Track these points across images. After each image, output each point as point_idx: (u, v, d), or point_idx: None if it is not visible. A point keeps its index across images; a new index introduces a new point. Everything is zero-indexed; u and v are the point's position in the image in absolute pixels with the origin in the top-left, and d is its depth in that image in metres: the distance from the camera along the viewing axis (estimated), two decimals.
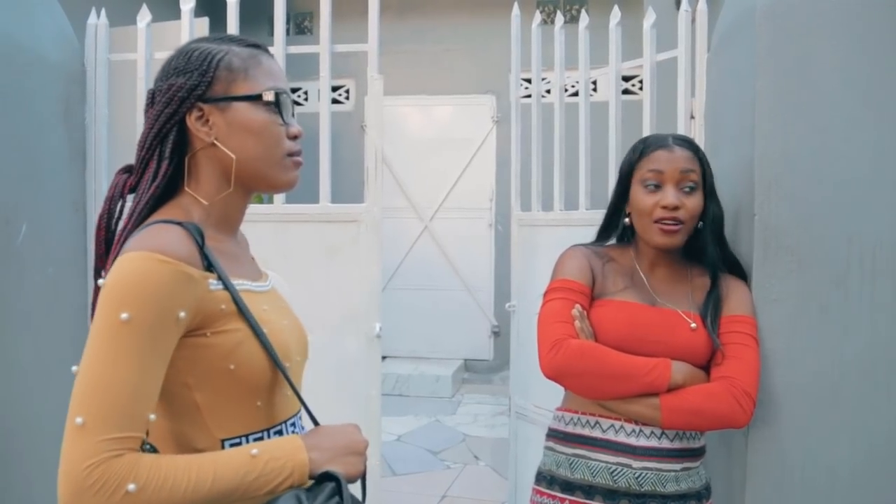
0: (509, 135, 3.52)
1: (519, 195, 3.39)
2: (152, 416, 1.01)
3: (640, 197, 1.72)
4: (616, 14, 2.89)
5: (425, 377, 6.63)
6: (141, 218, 1.16)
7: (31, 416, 2.39)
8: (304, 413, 1.28)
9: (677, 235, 1.69)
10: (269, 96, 1.19)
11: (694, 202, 1.69)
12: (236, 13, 2.80)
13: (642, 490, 1.65)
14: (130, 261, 1.02)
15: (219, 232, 1.21)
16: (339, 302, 2.69)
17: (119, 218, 1.19)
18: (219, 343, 1.09)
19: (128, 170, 1.23)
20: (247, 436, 1.15)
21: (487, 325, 7.39)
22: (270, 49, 2.75)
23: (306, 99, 7.44)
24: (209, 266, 1.10)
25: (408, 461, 4.86)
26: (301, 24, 7.58)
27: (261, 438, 1.16)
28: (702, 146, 2.36)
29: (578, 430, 1.74)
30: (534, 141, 3.25)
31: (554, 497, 1.75)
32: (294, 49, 2.82)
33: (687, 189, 1.69)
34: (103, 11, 2.86)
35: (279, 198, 2.77)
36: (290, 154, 1.23)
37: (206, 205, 1.20)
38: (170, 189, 1.20)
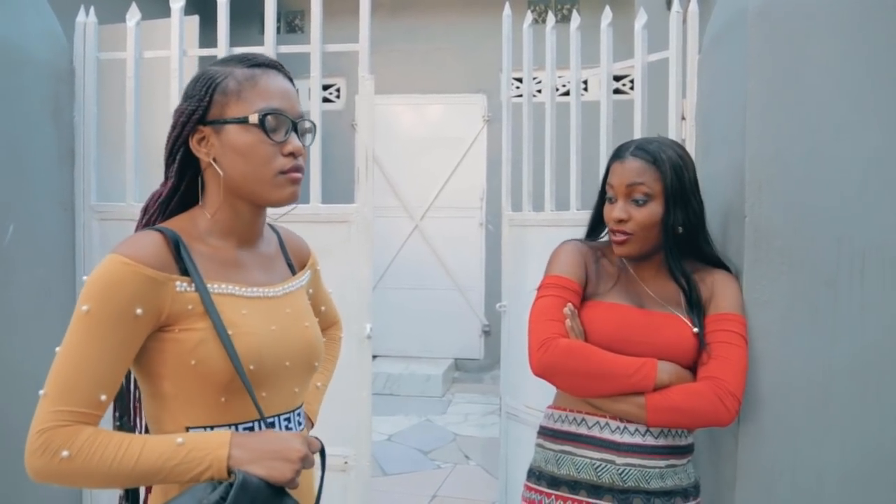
0: (500, 134, 3.52)
1: (510, 195, 3.39)
2: (103, 397, 1.14)
3: (604, 208, 1.80)
4: (607, 14, 2.89)
5: (416, 377, 6.63)
6: (149, 227, 1.28)
7: (21, 416, 2.37)
8: (292, 416, 1.36)
9: (627, 246, 1.74)
10: (253, 119, 1.25)
11: (643, 213, 1.70)
12: (226, 12, 2.79)
13: (626, 486, 1.66)
14: (103, 262, 1.16)
15: (225, 241, 1.32)
16: None
17: (153, 222, 1.32)
18: (184, 339, 1.20)
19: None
20: (212, 427, 1.23)
21: (478, 324, 7.39)
22: (261, 49, 2.76)
23: None
24: (185, 269, 1.22)
25: (398, 461, 4.85)
26: (292, 23, 7.56)
27: (227, 430, 1.22)
28: (693, 147, 2.37)
29: (566, 427, 1.76)
30: (525, 140, 3.25)
31: (541, 492, 1.77)
32: (284, 49, 2.81)
33: (639, 201, 1.71)
34: (92, 9, 2.85)
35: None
36: (285, 171, 1.28)
37: (217, 214, 1.31)
38: (191, 201, 1.34)
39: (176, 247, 1.22)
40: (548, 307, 1.73)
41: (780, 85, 1.69)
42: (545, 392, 1.78)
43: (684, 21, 2.65)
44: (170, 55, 2.81)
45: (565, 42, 3.03)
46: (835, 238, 1.65)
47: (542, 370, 1.68)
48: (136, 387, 1.36)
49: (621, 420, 1.68)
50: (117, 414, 1.36)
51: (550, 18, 3.11)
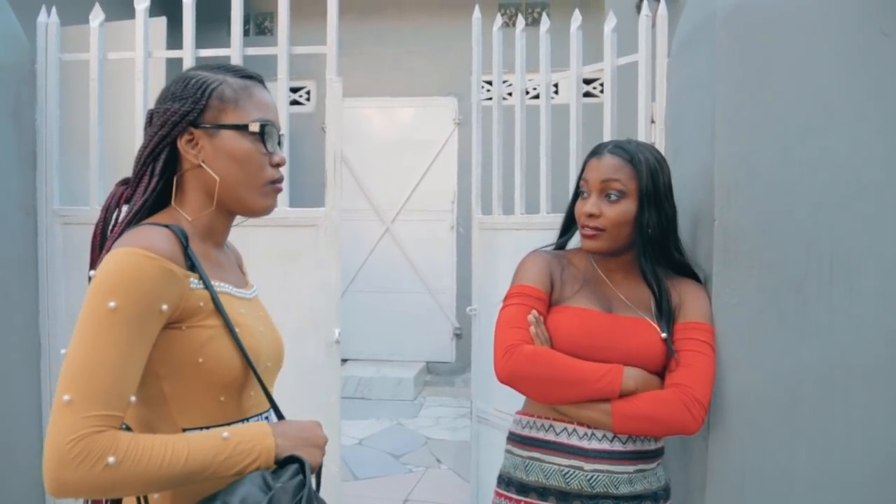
0: (471, 137, 3.51)
1: (479, 198, 3.39)
2: (132, 398, 1.10)
3: (576, 204, 1.81)
4: (577, 18, 2.89)
5: (387, 380, 6.61)
6: (131, 225, 1.27)
7: None
8: (272, 415, 1.38)
9: (597, 241, 1.74)
10: (254, 127, 1.30)
11: (616, 210, 1.71)
12: (192, 13, 2.75)
13: (594, 492, 1.66)
14: (120, 256, 1.13)
15: (203, 243, 1.33)
16: (298, 307, 2.67)
17: (114, 226, 1.30)
18: (192, 337, 1.19)
19: (125, 182, 1.34)
20: (208, 427, 1.22)
21: (449, 327, 7.38)
22: (227, 50, 2.73)
23: None
24: (192, 266, 1.21)
25: (369, 465, 4.83)
26: (261, 25, 7.50)
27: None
28: (662, 151, 2.38)
29: (533, 434, 1.76)
30: (495, 144, 3.24)
31: (510, 499, 1.77)
32: (252, 51, 2.79)
33: (612, 197, 1.71)
34: (54, 9, 2.81)
35: None
36: (273, 182, 1.34)
37: (190, 220, 1.31)
38: (161, 203, 1.33)
39: (185, 243, 1.21)
40: (513, 315, 1.73)
41: (749, 89, 1.70)
42: (515, 396, 1.78)
43: (653, 25, 2.65)
44: (134, 56, 2.77)
45: (535, 45, 3.03)
46: (803, 242, 1.66)
47: (507, 377, 1.68)
48: None
49: (589, 426, 1.68)
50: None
51: (520, 21, 3.11)
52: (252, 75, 1.37)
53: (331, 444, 2.67)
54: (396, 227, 7.42)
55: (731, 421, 1.71)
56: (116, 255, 1.13)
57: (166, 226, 1.21)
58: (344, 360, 6.92)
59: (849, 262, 1.64)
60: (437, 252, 7.37)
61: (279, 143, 1.37)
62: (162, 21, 3.59)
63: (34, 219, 2.75)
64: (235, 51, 2.73)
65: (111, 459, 1.03)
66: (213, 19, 4.59)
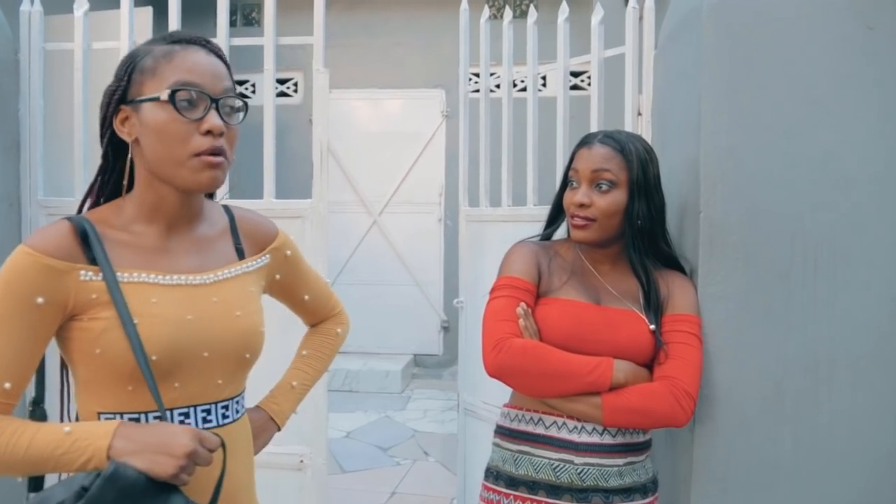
0: (458, 129, 3.51)
1: (467, 191, 3.39)
2: (7, 385, 1.15)
3: (565, 194, 1.79)
4: (564, 10, 2.89)
5: (375, 373, 6.61)
6: (91, 207, 1.33)
7: None
8: (194, 410, 1.30)
9: (587, 231, 1.72)
10: (164, 95, 1.21)
11: (606, 200, 1.70)
12: (178, 3, 2.73)
13: (585, 485, 1.66)
14: (13, 253, 1.18)
15: (150, 226, 1.29)
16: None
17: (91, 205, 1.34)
18: (91, 328, 1.20)
19: None
20: (122, 414, 1.23)
21: (437, 320, 7.39)
22: (214, 41, 2.72)
23: (254, 91, 7.34)
24: (94, 258, 1.21)
25: (357, 458, 4.83)
26: (248, 15, 7.47)
27: (137, 419, 1.23)
28: (649, 142, 2.39)
29: (522, 427, 1.75)
30: (482, 136, 3.24)
31: (500, 492, 1.76)
32: (238, 41, 2.77)
33: (603, 187, 1.71)
34: None
35: (221, 193, 2.72)
36: (200, 153, 1.22)
37: (143, 199, 1.29)
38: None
39: (83, 235, 1.21)
40: (501, 308, 1.72)
41: (734, 82, 1.71)
42: (502, 388, 1.78)
43: (641, 17, 2.66)
44: (119, 46, 2.75)
45: (523, 37, 3.03)
46: (788, 234, 1.67)
47: (497, 371, 1.67)
48: (66, 374, 1.35)
49: (578, 419, 1.68)
50: (34, 399, 1.33)
51: (508, 14, 3.11)
52: (185, 38, 1.28)
53: (318, 438, 2.69)
54: (384, 220, 7.41)
55: (717, 412, 1.72)
56: (12, 252, 1.18)
57: (70, 219, 1.22)
58: None
59: (833, 255, 1.66)
60: (424, 244, 7.37)
61: (218, 109, 1.25)
62: (148, 11, 3.57)
63: (18, 210, 2.73)
64: (222, 41, 2.71)
65: None
66: (199, 9, 4.56)
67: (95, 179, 1.34)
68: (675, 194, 1.90)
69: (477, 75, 3.36)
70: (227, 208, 1.47)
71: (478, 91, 3.30)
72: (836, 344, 1.67)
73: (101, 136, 1.31)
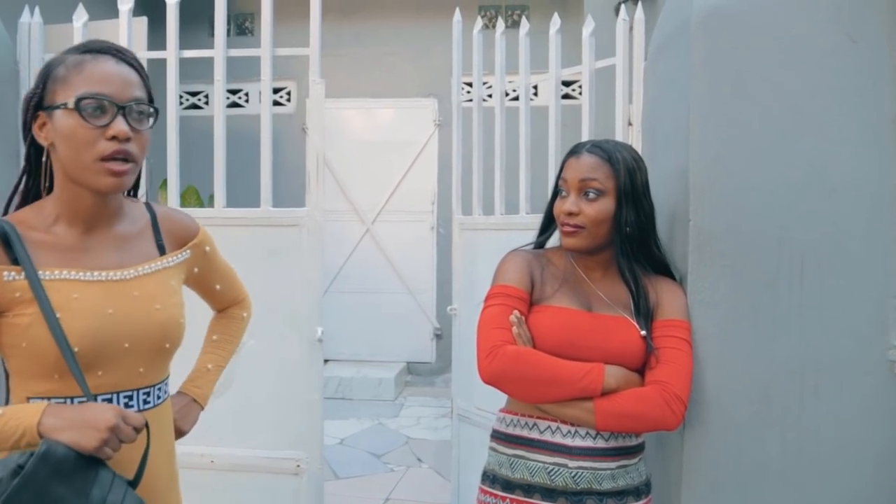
0: (451, 138, 3.53)
1: (460, 199, 3.41)
2: None
3: (555, 203, 1.82)
4: (556, 21, 2.93)
5: (368, 380, 6.61)
6: (13, 209, 1.41)
7: None
8: (136, 395, 1.42)
9: (576, 238, 1.75)
10: (70, 103, 1.29)
11: (594, 208, 1.73)
12: (176, 13, 2.76)
13: (579, 488, 1.68)
14: None
15: (70, 226, 1.37)
16: (281, 306, 2.68)
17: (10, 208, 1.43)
18: (15, 324, 1.29)
19: None
20: (49, 398, 1.31)
21: (430, 327, 7.39)
22: (210, 51, 2.74)
23: (247, 101, 7.36)
24: (17, 258, 1.29)
25: (351, 464, 4.83)
26: (242, 25, 7.49)
27: (63, 403, 1.31)
28: (639, 152, 2.42)
29: (518, 432, 1.78)
30: (475, 145, 3.27)
31: (496, 496, 1.78)
32: (235, 52, 2.79)
33: (591, 195, 1.73)
34: (37, 10, 2.79)
35: (219, 201, 2.75)
36: (104, 157, 1.30)
37: (61, 201, 1.36)
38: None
39: (5, 239, 1.29)
40: (495, 316, 1.74)
41: (722, 93, 1.74)
42: (497, 395, 1.80)
43: (631, 29, 2.69)
44: None
45: (515, 47, 3.06)
46: (775, 241, 1.70)
47: (491, 378, 1.69)
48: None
49: (572, 424, 1.70)
50: None
51: (500, 24, 3.14)
52: (97, 48, 1.36)
53: (313, 443, 2.71)
54: (377, 228, 7.42)
55: (706, 416, 1.75)
56: None
57: None
58: (325, 361, 6.90)
59: (819, 261, 1.68)
60: (417, 253, 7.37)
61: (124, 115, 1.32)
62: (143, 21, 3.59)
63: None
64: (219, 51, 2.74)
65: None
66: (193, 19, 4.59)
67: (19, 182, 1.42)
68: (664, 203, 1.93)
69: (469, 85, 3.39)
70: (149, 206, 1.55)
71: (470, 100, 3.33)
72: (822, 349, 1.69)
73: (24, 140, 1.38)
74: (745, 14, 1.72)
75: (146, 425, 1.33)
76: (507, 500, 1.75)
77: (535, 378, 1.66)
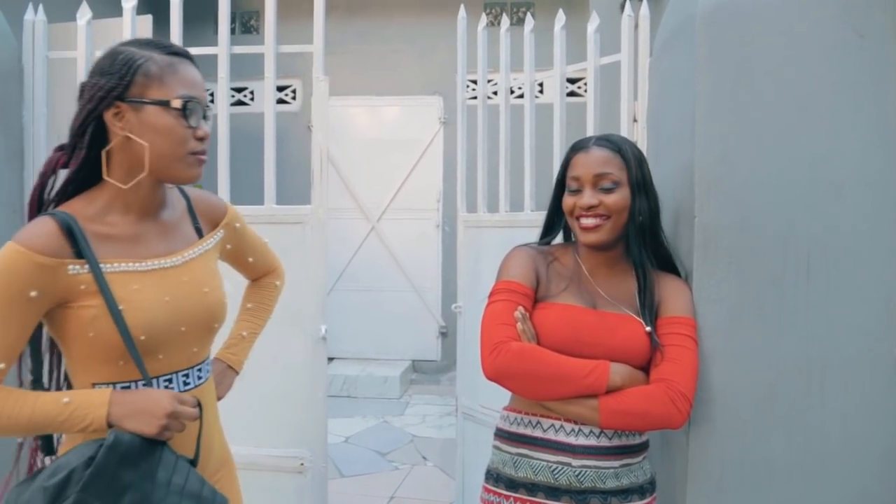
0: (456, 136, 3.53)
1: (465, 196, 3.41)
2: (2, 365, 1.29)
3: (565, 200, 1.80)
4: (561, 18, 2.92)
5: (373, 378, 6.61)
6: (64, 196, 1.43)
7: None
8: (176, 378, 1.50)
9: (600, 231, 1.74)
10: (177, 103, 1.39)
11: (614, 198, 1.72)
12: (180, 11, 2.76)
13: (583, 487, 1.68)
14: (3, 249, 1.30)
15: (125, 216, 1.44)
16: (285, 304, 2.66)
17: (51, 190, 1.45)
18: (81, 315, 1.35)
19: (61, 148, 1.45)
20: (114, 383, 1.39)
21: (435, 325, 7.39)
22: (214, 49, 2.74)
23: (252, 98, 7.36)
24: (79, 252, 1.34)
25: (356, 462, 4.84)
26: (247, 23, 7.49)
27: (128, 387, 1.40)
28: (644, 149, 2.41)
29: (521, 430, 1.77)
30: (480, 142, 3.27)
31: (499, 494, 1.78)
32: (239, 49, 2.80)
33: (606, 188, 1.73)
34: (41, 7, 2.80)
35: (224, 199, 2.75)
36: (195, 153, 1.44)
37: (117, 191, 1.42)
38: (97, 173, 1.43)
39: (69, 231, 1.33)
40: (499, 312, 1.73)
41: (727, 89, 1.73)
42: (501, 392, 1.79)
43: (636, 25, 2.69)
44: None
45: (520, 45, 3.06)
46: (781, 238, 1.69)
47: (495, 374, 1.68)
48: (55, 348, 1.49)
49: (576, 422, 1.69)
50: (32, 378, 1.49)
51: (505, 21, 3.14)
52: (179, 52, 1.45)
53: (317, 441, 2.71)
54: (382, 226, 7.42)
55: (711, 413, 1.74)
56: (3, 248, 1.31)
57: (54, 215, 1.34)
58: (330, 359, 6.92)
59: (826, 258, 1.67)
60: (422, 250, 7.37)
61: (205, 118, 1.46)
62: (147, 19, 3.58)
63: (21, 216, 2.75)
64: (223, 49, 2.74)
65: None
66: (197, 17, 4.59)
67: (79, 169, 1.42)
68: (670, 199, 1.92)
69: (474, 82, 3.40)
70: (182, 191, 1.64)
71: (475, 98, 3.33)
72: (829, 346, 1.68)
73: (82, 127, 1.40)
74: (749, 9, 1.71)
75: (199, 405, 1.44)
76: (511, 498, 1.75)
77: (539, 375, 1.65)
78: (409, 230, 7.37)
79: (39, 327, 1.43)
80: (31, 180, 2.76)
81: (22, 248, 1.29)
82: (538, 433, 1.74)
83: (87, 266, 1.34)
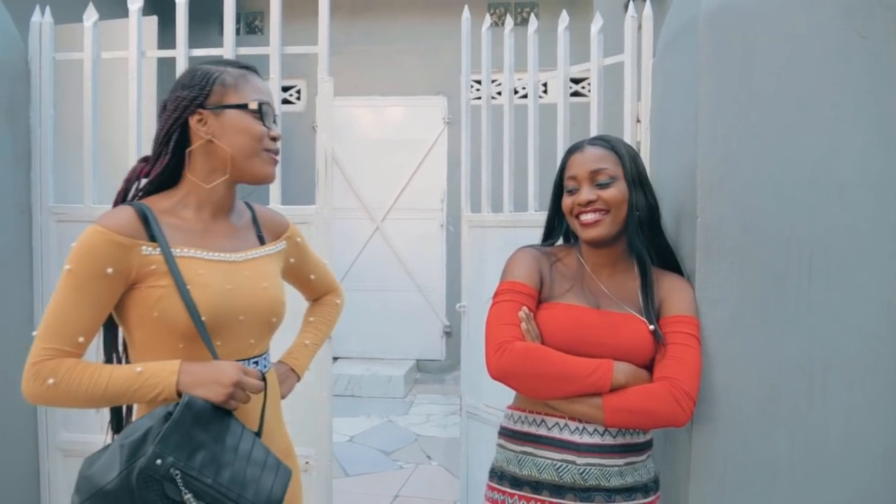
0: (460, 136, 3.53)
1: (469, 196, 3.41)
2: (81, 339, 1.42)
3: (564, 200, 1.83)
4: (565, 18, 2.92)
5: (378, 378, 6.63)
6: (146, 193, 1.59)
7: None
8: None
9: (600, 226, 1.75)
10: (253, 105, 1.57)
11: (611, 192, 1.74)
12: (185, 13, 2.77)
13: (587, 484, 1.69)
14: (85, 231, 1.44)
15: (198, 212, 1.59)
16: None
17: (135, 195, 1.60)
18: (149, 294, 1.47)
19: (145, 159, 1.62)
20: None
21: (439, 325, 7.40)
22: (219, 50, 2.76)
23: None
24: (153, 236, 1.48)
25: (360, 462, 4.86)
26: (252, 24, 7.50)
27: None
28: (647, 149, 2.42)
29: (526, 429, 1.78)
30: (484, 142, 3.27)
31: (504, 492, 1.79)
32: (244, 50, 2.80)
33: (603, 183, 1.75)
34: (48, 9, 2.81)
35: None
36: (269, 150, 1.61)
37: (192, 189, 1.58)
38: (176, 176, 1.60)
39: (144, 218, 1.48)
40: (503, 312, 1.74)
41: (730, 89, 1.73)
42: (505, 391, 1.80)
43: (639, 26, 2.69)
44: (128, 56, 2.79)
45: (524, 45, 3.06)
46: (783, 238, 1.69)
47: (500, 374, 1.69)
48: (120, 336, 1.61)
49: (580, 421, 1.70)
50: (104, 359, 1.60)
51: (509, 21, 3.14)
52: (248, 66, 1.65)
53: (322, 440, 2.72)
54: (386, 226, 7.44)
55: (714, 413, 1.75)
56: (85, 231, 1.44)
57: (131, 205, 1.51)
58: (335, 359, 6.92)
59: (828, 259, 1.68)
60: (426, 250, 7.38)
61: (275, 122, 1.63)
62: (153, 20, 3.60)
63: (29, 216, 2.77)
64: (228, 50, 2.75)
65: (51, 381, 1.38)
66: (203, 18, 4.60)
67: (163, 171, 1.58)
68: (672, 199, 1.93)
69: (478, 82, 3.40)
70: (248, 204, 1.79)
71: (479, 98, 3.33)
72: (831, 346, 1.69)
73: (168, 134, 1.56)
74: (752, 10, 1.72)
75: (264, 378, 1.55)
76: (515, 496, 1.76)
77: (543, 374, 1.66)
78: (413, 230, 7.38)
79: (111, 317, 1.54)
80: (38, 181, 2.78)
81: (101, 229, 1.43)
82: (542, 431, 1.75)
83: (158, 248, 1.48)
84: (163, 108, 1.60)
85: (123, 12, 2.80)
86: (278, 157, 1.65)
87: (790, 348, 1.70)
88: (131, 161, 2.74)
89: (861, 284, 1.68)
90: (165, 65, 3.07)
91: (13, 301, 2.67)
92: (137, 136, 2.76)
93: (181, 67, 2.78)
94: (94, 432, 2.65)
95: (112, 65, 2.88)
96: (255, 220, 1.76)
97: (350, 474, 4.62)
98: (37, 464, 2.78)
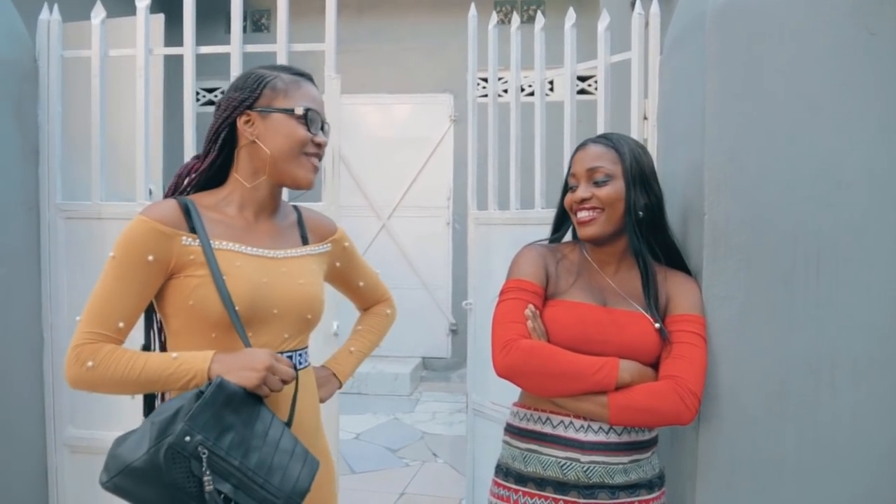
0: (467, 134, 3.54)
1: (475, 194, 3.42)
2: (121, 324, 1.47)
3: (565, 198, 1.85)
4: (571, 16, 2.92)
5: (384, 375, 6.63)
6: (194, 188, 1.65)
7: None
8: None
9: (594, 225, 1.76)
10: (299, 111, 1.60)
11: (606, 190, 1.75)
12: (192, 10, 2.78)
13: (591, 482, 1.69)
14: (131, 220, 1.51)
15: (241, 210, 1.64)
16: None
17: (186, 189, 1.66)
18: (186, 284, 1.52)
19: (198, 157, 1.67)
20: None
21: (445, 323, 7.40)
22: (226, 48, 2.76)
23: None
24: (193, 228, 1.53)
25: (366, 459, 4.86)
26: (259, 21, 7.51)
27: None
28: (654, 147, 2.41)
29: (531, 426, 1.79)
30: (490, 140, 3.27)
31: (509, 488, 1.79)
32: (251, 48, 2.81)
33: (598, 181, 1.76)
34: (56, 7, 2.82)
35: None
36: (309, 154, 1.62)
37: (236, 187, 1.64)
38: (225, 174, 1.67)
39: (186, 210, 1.54)
40: (509, 310, 1.75)
41: (737, 86, 1.73)
42: (511, 389, 1.80)
43: (646, 23, 2.69)
44: (135, 53, 2.79)
45: (530, 43, 3.06)
46: (791, 236, 1.69)
47: (506, 371, 1.70)
48: (160, 326, 1.65)
49: (585, 419, 1.71)
50: (143, 346, 1.66)
51: (515, 19, 3.14)
52: (303, 73, 1.68)
53: (329, 439, 2.71)
54: (392, 223, 7.44)
55: (721, 410, 1.75)
56: (131, 220, 1.51)
57: (176, 198, 1.58)
58: None
59: (835, 256, 1.68)
60: (433, 248, 7.38)
61: (323, 131, 1.66)
62: (160, 18, 3.60)
63: (37, 213, 2.77)
64: (235, 48, 2.76)
65: (90, 363, 1.43)
66: (210, 16, 4.60)
67: (209, 168, 1.65)
68: (679, 197, 1.93)
69: (485, 80, 3.40)
70: (295, 207, 1.83)
71: (486, 96, 3.33)
72: (838, 344, 1.68)
73: (217, 132, 1.62)
74: (759, 7, 1.72)
75: (295, 368, 1.56)
76: (520, 492, 1.77)
77: (549, 372, 1.66)
78: (419, 228, 7.38)
79: (151, 307, 1.61)
80: (45, 178, 2.79)
81: (145, 218, 1.49)
82: (548, 429, 1.75)
83: (198, 240, 1.53)
84: (217, 108, 1.65)
85: (131, 10, 2.81)
86: (318, 164, 1.67)
87: (798, 345, 1.70)
88: (139, 158, 2.76)
89: (869, 281, 1.68)
90: (172, 63, 3.07)
91: (21, 297, 2.68)
92: (145, 133, 2.76)
93: (188, 65, 2.79)
94: (101, 429, 2.66)
95: (119, 62, 2.89)
96: (300, 221, 1.79)
97: (356, 472, 4.63)
98: (44, 460, 2.79)
